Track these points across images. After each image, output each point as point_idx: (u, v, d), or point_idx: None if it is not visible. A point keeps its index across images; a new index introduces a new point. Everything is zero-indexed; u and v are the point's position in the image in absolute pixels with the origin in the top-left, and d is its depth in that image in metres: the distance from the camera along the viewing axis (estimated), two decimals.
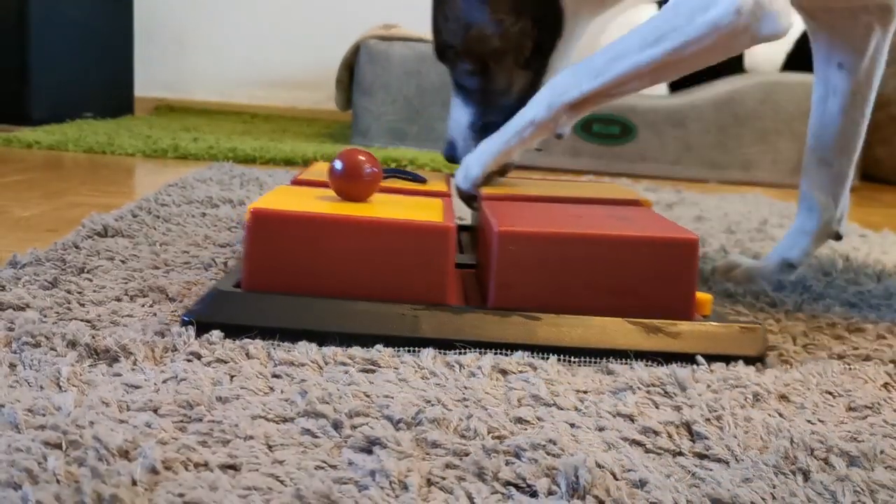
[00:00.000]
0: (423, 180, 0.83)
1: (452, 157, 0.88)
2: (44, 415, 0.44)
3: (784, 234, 1.14)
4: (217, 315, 0.60)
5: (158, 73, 2.73)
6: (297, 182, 0.79)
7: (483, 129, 0.86)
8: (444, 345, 0.59)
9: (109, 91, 2.45)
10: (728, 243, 1.11)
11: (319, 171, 0.86)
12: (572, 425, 0.48)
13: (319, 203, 0.65)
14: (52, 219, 1.05)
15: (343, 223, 0.61)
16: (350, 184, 0.67)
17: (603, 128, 2.00)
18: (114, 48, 2.47)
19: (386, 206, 0.66)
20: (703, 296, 0.64)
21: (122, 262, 0.77)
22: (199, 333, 0.58)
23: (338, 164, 0.67)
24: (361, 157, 0.67)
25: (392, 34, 1.99)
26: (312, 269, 0.61)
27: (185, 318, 0.60)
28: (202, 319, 0.59)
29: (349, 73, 2.03)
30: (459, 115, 0.88)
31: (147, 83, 2.68)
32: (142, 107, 2.63)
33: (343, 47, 2.08)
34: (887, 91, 2.07)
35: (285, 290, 0.61)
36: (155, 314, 0.63)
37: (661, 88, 2.13)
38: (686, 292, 0.62)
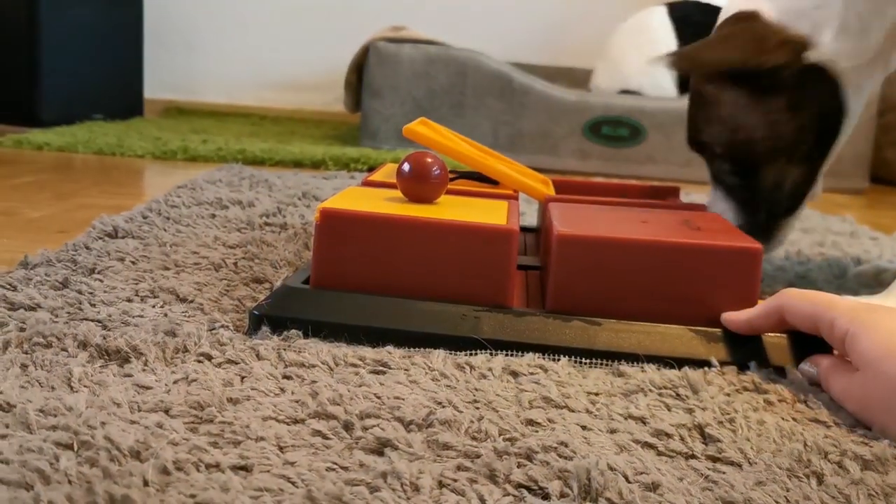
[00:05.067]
0: (494, 182, 0.83)
1: None
2: (55, 415, 0.44)
3: (793, 236, 1.14)
4: (284, 310, 0.61)
5: (168, 75, 2.74)
6: (366, 183, 0.79)
7: (747, 228, 0.78)
8: (503, 346, 0.59)
9: (119, 93, 2.46)
10: None
11: (388, 172, 0.86)
12: (584, 427, 0.47)
13: (387, 204, 0.66)
14: (63, 220, 1.06)
15: (408, 224, 0.62)
16: (418, 185, 0.68)
17: (612, 130, 1.99)
18: (123, 50, 2.47)
19: (452, 208, 0.67)
20: None
21: (133, 263, 0.77)
22: (262, 327, 0.60)
23: (406, 167, 0.68)
24: (429, 160, 0.68)
25: (401, 36, 1.99)
26: (378, 268, 0.62)
27: (256, 313, 0.61)
28: (270, 314, 0.61)
29: (358, 74, 2.03)
30: (720, 212, 0.80)
31: (156, 85, 2.69)
32: (151, 109, 2.64)
33: (351, 49, 2.08)
34: None
35: (352, 288, 0.62)
36: (166, 314, 0.63)
37: (671, 90, 2.12)
38: (748, 302, 0.61)
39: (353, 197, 0.69)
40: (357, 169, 1.76)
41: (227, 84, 2.78)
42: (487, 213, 0.67)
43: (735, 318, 0.60)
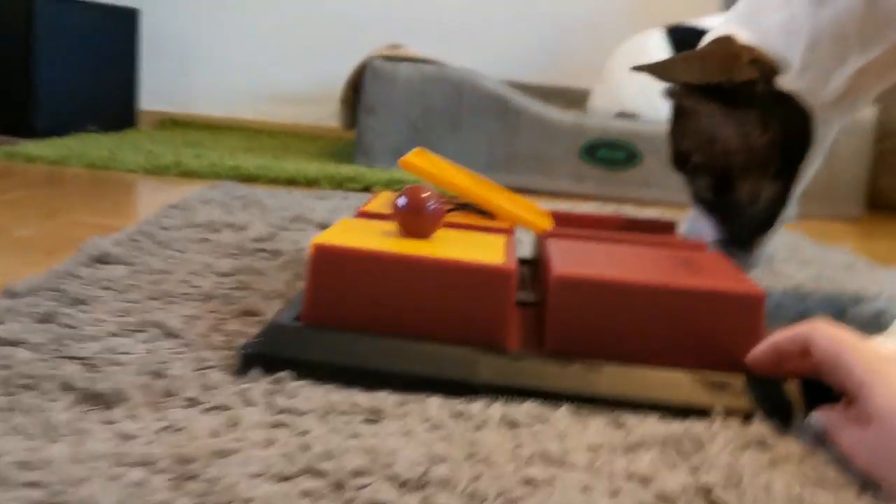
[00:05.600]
0: (483, 213, 0.82)
1: None
2: (34, 470, 0.42)
3: (790, 269, 1.13)
4: (275, 349, 0.59)
5: (163, 87, 2.72)
6: (361, 214, 0.78)
7: (727, 242, 0.84)
8: (500, 391, 0.57)
9: (113, 104, 2.44)
10: None
11: (383, 202, 0.84)
12: (585, 488, 0.46)
13: (382, 239, 0.65)
14: (52, 239, 1.04)
15: (403, 261, 0.60)
16: (413, 220, 0.66)
17: (608, 153, 1.98)
18: (119, 62, 2.46)
19: (448, 244, 0.65)
20: None
21: (120, 292, 0.75)
22: (248, 367, 0.58)
23: (402, 200, 0.66)
24: (425, 194, 0.66)
25: (398, 54, 1.98)
26: (371, 306, 0.61)
27: (244, 352, 0.59)
28: (260, 353, 0.59)
29: (354, 92, 2.01)
30: (698, 228, 0.86)
31: (151, 97, 2.67)
32: (146, 120, 2.62)
33: (347, 63, 2.07)
34: (893, 121, 2.06)
35: (345, 325, 0.61)
36: (152, 352, 0.62)
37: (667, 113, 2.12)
38: (752, 347, 0.59)
39: (347, 230, 0.68)
40: (351, 188, 1.74)
41: (222, 97, 2.76)
42: (484, 249, 0.65)
43: (759, 348, 0.58)
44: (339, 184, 1.75)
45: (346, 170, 1.81)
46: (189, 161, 1.80)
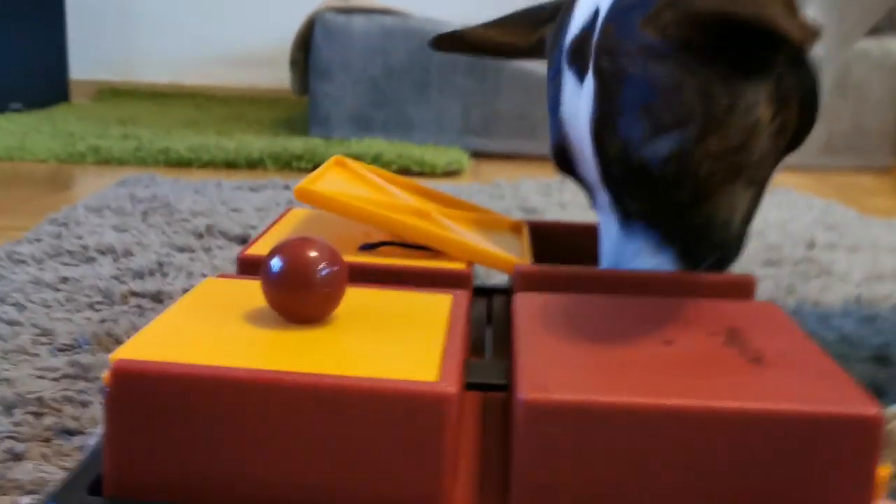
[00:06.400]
0: (426, 249, 0.55)
1: None
2: None
3: (836, 256, 0.86)
4: None
5: (99, 52, 2.42)
6: (243, 262, 0.52)
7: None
8: None
9: (40, 76, 2.15)
10: (775, 289, 0.83)
11: (294, 224, 0.59)
12: None
13: (239, 332, 0.40)
14: None
15: (264, 388, 0.35)
16: (292, 299, 0.41)
17: None
18: (42, 26, 2.16)
19: (348, 339, 0.40)
20: (882, 471, 0.37)
21: None
22: None
23: (274, 265, 0.40)
24: (312, 254, 0.41)
25: (351, 6, 1.70)
26: (215, 465, 0.36)
27: None
28: None
29: (304, 52, 1.74)
30: (634, 256, 0.51)
31: (86, 64, 2.38)
32: (81, 92, 2.33)
33: (304, 17, 1.79)
34: None
35: (173, 498, 0.36)
36: None
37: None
38: (857, 494, 0.35)
39: (192, 312, 0.42)
40: (300, 168, 1.48)
41: (168, 60, 2.47)
42: (409, 341, 0.40)
43: None
44: (287, 163, 1.49)
45: (295, 145, 1.55)
46: (112, 144, 1.54)
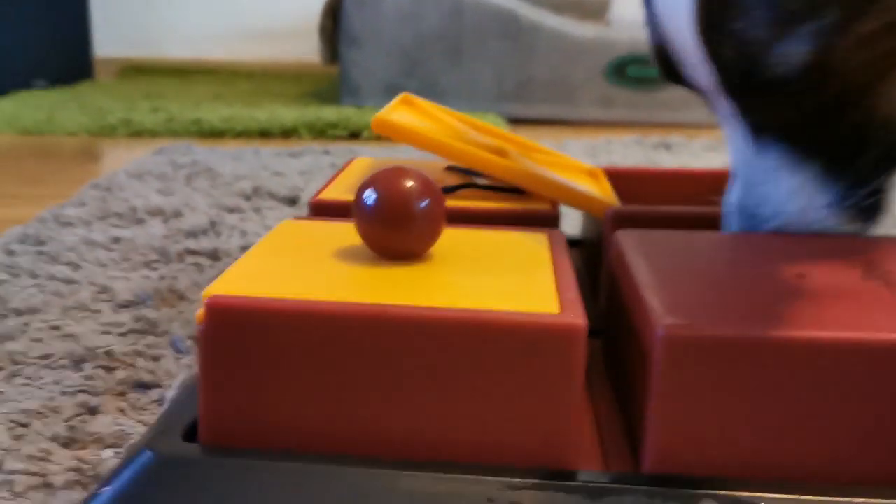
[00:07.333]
0: (518, 192, 0.52)
1: None
2: None
3: None
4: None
5: (123, 28, 2.40)
6: (316, 206, 0.49)
7: (842, 207, 0.42)
8: None
9: (64, 54, 2.13)
10: None
11: (356, 173, 0.56)
12: None
13: (337, 267, 0.36)
14: None
15: (372, 322, 0.32)
16: (389, 235, 0.37)
17: (639, 70, 1.67)
18: (65, 2, 2.14)
19: (451, 274, 0.37)
20: None
21: None
22: None
23: (367, 197, 0.37)
24: (409, 184, 0.37)
25: None
26: (321, 408, 0.33)
27: None
28: None
29: (333, 19, 1.70)
30: (764, 177, 0.43)
31: (110, 41, 2.35)
32: (105, 69, 2.31)
33: None
34: None
35: (276, 447, 0.33)
36: None
37: None
38: None
39: (277, 251, 0.39)
40: (336, 136, 1.45)
41: (191, 36, 2.44)
42: (518, 279, 0.37)
43: None
44: (321, 132, 1.46)
45: (329, 114, 1.52)
46: (143, 117, 1.51)
